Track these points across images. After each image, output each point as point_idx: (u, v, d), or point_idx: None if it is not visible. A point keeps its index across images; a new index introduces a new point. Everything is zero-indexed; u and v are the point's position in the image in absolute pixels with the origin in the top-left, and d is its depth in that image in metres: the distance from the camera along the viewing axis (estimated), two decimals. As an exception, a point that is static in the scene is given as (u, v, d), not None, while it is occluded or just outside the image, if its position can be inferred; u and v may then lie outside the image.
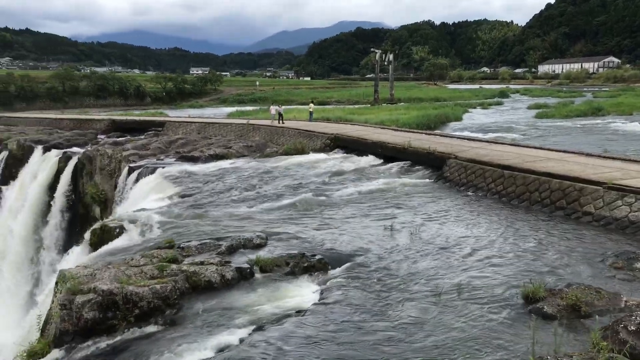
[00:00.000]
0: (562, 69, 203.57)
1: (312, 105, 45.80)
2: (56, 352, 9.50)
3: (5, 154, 39.69)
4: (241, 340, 8.91)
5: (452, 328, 8.83)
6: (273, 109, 42.16)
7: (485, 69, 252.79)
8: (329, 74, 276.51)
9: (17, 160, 38.84)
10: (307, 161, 26.94)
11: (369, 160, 26.24)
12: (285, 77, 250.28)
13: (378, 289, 10.64)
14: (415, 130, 33.67)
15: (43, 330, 11.32)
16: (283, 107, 44.83)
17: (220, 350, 8.68)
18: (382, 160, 25.74)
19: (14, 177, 37.71)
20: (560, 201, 15.89)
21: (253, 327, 9.41)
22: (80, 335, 9.56)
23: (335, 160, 27.06)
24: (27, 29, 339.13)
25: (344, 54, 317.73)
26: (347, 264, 12.15)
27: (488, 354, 7.97)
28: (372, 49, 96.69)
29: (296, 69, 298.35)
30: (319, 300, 10.36)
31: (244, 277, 11.44)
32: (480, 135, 33.88)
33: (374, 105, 74.28)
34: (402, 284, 10.84)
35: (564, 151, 22.13)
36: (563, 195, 15.94)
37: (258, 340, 8.80)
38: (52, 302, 11.31)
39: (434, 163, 22.73)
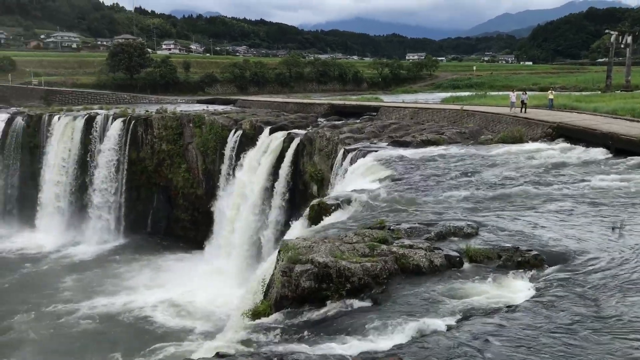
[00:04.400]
0: None
1: (552, 91, 41.43)
2: (276, 315, 10.44)
3: (239, 133, 44.47)
4: (447, 328, 8.87)
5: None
6: (513, 95, 37.97)
7: None
8: (553, 58, 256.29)
9: (249, 139, 43.27)
10: (525, 150, 25.48)
11: (597, 153, 23.89)
12: (504, 62, 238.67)
13: (599, 297, 9.68)
14: (655, 122, 29.76)
15: (266, 293, 12.52)
16: (527, 93, 38.79)
17: (425, 333, 8.74)
18: (612, 154, 23.27)
19: (245, 153, 42.13)
20: None
21: (459, 316, 9.30)
22: (297, 302, 10.38)
23: (557, 150, 25.16)
24: (261, 19, 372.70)
25: (572, 36, 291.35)
26: (565, 264, 11.30)
27: None
28: (606, 31, 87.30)
29: (516, 53, 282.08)
30: (531, 298, 9.80)
31: (452, 265, 11.34)
32: None
33: (605, 92, 67.09)
34: (628, 295, 9.72)
35: None
36: None
37: (464, 330, 8.67)
38: (275, 268, 12.42)
39: (678, 160, 19.90)
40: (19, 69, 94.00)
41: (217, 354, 8.79)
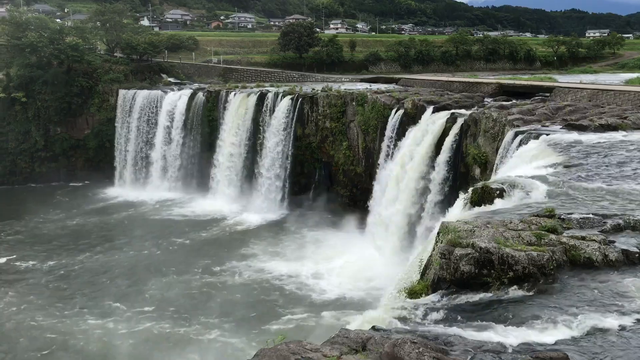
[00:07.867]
0: None
1: None
2: (433, 296, 10.39)
3: (401, 112, 44.29)
4: (620, 328, 8.22)
5: None
6: None
7: None
8: None
9: (410, 118, 42.91)
10: None
11: None
12: None
13: None
14: None
15: (423, 274, 12.50)
16: None
17: (593, 332, 8.21)
18: None
19: (405, 132, 41.90)
20: None
21: (636, 317, 8.57)
22: (456, 285, 10.24)
23: None
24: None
25: None
26: None
27: None
28: None
29: None
30: None
31: (630, 261, 10.44)
32: None
33: None
34: None
35: None
36: None
37: (641, 333, 7.98)
38: (433, 249, 12.33)
39: None
40: (201, 48, 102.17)
41: (373, 327, 9.03)
